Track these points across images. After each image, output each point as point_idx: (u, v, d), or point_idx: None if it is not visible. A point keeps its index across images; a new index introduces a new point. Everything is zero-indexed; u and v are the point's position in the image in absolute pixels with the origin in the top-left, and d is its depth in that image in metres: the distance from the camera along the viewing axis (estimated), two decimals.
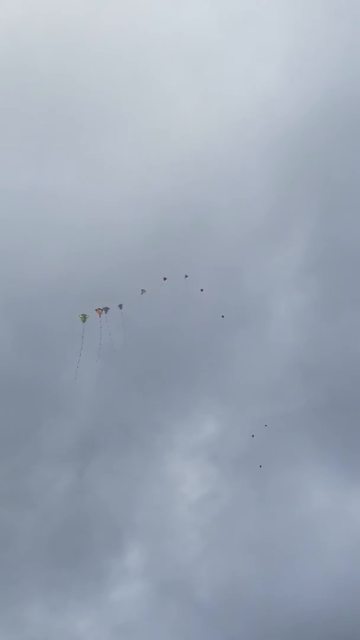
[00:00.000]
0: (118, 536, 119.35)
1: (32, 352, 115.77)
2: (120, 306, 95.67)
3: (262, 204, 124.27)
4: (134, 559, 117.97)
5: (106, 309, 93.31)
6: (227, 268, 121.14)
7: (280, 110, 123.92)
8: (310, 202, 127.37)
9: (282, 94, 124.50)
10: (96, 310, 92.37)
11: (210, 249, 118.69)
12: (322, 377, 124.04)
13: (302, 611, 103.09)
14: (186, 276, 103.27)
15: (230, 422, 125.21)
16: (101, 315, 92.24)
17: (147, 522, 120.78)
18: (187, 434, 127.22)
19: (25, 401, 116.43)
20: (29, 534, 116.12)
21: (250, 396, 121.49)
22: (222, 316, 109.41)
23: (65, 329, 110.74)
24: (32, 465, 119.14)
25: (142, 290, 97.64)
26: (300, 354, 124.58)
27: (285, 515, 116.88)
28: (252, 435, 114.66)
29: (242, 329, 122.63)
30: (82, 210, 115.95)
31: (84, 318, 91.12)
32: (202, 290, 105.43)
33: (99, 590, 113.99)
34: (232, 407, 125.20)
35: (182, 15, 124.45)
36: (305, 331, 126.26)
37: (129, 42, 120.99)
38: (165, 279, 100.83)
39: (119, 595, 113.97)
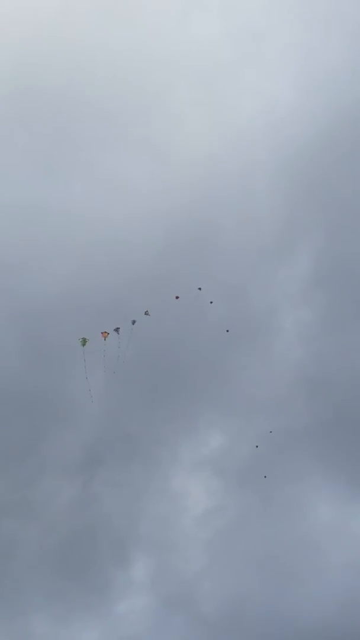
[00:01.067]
0: (123, 549, 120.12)
1: (38, 365, 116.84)
2: (134, 322, 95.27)
3: (269, 222, 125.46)
4: (139, 572, 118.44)
5: (117, 329, 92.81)
6: (234, 284, 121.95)
7: (289, 130, 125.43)
8: (317, 220, 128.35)
9: (290, 113, 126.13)
10: (102, 333, 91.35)
11: (217, 266, 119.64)
12: (328, 392, 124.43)
13: (306, 626, 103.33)
14: (200, 289, 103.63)
15: (235, 436, 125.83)
16: (106, 338, 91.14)
17: (152, 535, 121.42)
18: (192, 448, 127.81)
19: (31, 414, 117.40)
20: (34, 545, 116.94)
21: (255, 410, 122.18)
22: (227, 330, 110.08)
23: (71, 343, 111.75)
24: (37, 477, 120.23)
25: (146, 312, 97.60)
26: (305, 369, 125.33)
27: (289, 530, 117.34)
28: (256, 446, 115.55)
29: (248, 344, 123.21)
30: (89, 227, 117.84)
31: (83, 342, 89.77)
32: (211, 302, 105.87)
33: (104, 602, 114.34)
34: (237, 421, 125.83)
35: (192, 34, 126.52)
36: (311, 346, 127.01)
37: (137, 60, 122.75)
38: (177, 297, 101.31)
39: (124, 607, 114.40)
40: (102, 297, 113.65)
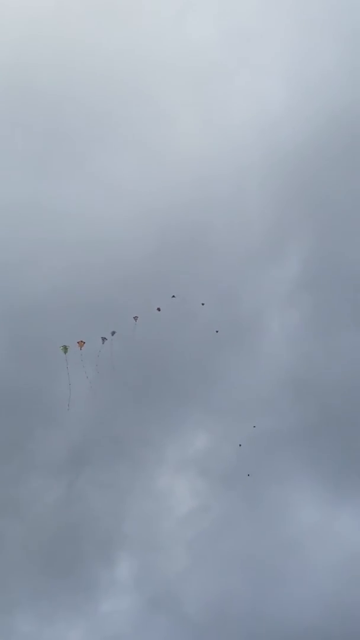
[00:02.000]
0: (107, 548, 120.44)
1: (25, 364, 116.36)
2: (113, 333, 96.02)
3: (259, 224, 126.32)
4: (123, 571, 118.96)
5: (104, 339, 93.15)
6: (223, 285, 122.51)
7: (281, 133, 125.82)
8: (307, 222, 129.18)
9: (283, 116, 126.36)
10: (78, 342, 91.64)
11: (207, 267, 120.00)
12: (314, 393, 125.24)
13: (290, 627, 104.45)
14: (173, 296, 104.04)
15: (220, 437, 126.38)
16: (82, 347, 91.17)
17: (136, 535, 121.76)
18: (177, 448, 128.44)
19: (18, 412, 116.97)
20: (19, 544, 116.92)
21: (241, 411, 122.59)
22: (217, 331, 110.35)
23: (60, 342, 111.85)
24: (23, 476, 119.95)
25: (135, 317, 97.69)
26: (292, 371, 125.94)
27: (274, 531, 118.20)
28: (240, 445, 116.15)
29: (235, 345, 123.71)
30: (80, 226, 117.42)
31: (65, 349, 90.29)
32: (203, 304, 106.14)
33: (89, 601, 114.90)
34: (222, 422, 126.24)
35: (186, 35, 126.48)
36: (298, 348, 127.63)
37: (131, 61, 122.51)
38: (159, 309, 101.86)
39: (108, 606, 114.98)
40: (93, 296, 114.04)
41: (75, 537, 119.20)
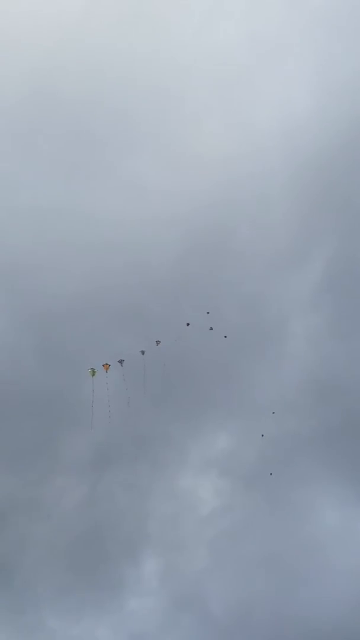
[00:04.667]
0: (132, 547, 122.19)
1: (53, 366, 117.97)
2: (143, 352, 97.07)
3: (282, 227, 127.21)
4: (148, 570, 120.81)
5: (121, 361, 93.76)
6: (247, 288, 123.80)
7: (305, 136, 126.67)
8: (330, 225, 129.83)
9: (307, 120, 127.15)
10: (103, 365, 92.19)
11: (231, 270, 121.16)
12: (337, 396, 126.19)
13: (313, 629, 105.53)
14: (208, 313, 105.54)
15: (242, 438, 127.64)
16: (107, 370, 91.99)
17: (160, 535, 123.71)
18: (200, 449, 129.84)
19: (44, 414, 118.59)
20: (46, 543, 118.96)
21: (265, 414, 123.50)
22: (225, 336, 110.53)
23: (86, 344, 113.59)
24: (49, 477, 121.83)
25: (157, 341, 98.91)
26: (315, 374, 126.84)
27: (296, 531, 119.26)
28: (262, 435, 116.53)
29: (258, 349, 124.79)
30: (105, 229, 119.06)
31: (92, 372, 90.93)
32: (211, 328, 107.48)
33: (115, 598, 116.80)
34: (245, 424, 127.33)
35: (211, 40, 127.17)
36: (320, 351, 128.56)
37: (157, 66, 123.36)
38: (188, 324, 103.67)
39: (134, 604, 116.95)
40: (118, 299, 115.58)
41: (100, 537, 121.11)
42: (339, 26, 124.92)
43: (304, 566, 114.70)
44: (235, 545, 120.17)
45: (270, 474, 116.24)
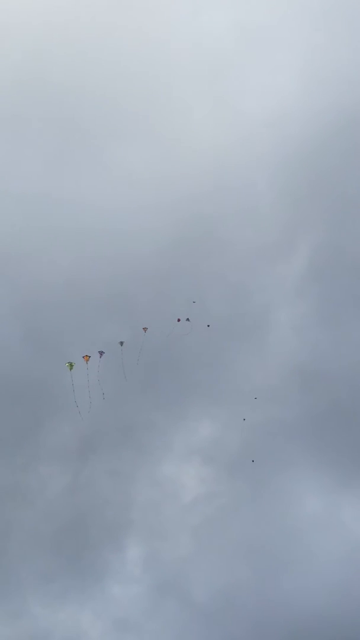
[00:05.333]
0: (116, 534, 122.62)
1: (37, 354, 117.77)
2: (122, 343, 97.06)
3: (268, 215, 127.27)
4: (131, 556, 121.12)
5: (102, 353, 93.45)
6: (232, 276, 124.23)
7: (292, 126, 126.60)
8: (315, 214, 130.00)
9: (294, 109, 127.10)
10: (83, 357, 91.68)
11: (217, 260, 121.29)
12: (320, 383, 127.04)
13: (298, 614, 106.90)
14: (194, 302, 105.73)
15: (225, 425, 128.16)
16: (88, 361, 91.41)
17: (143, 521, 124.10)
18: (183, 436, 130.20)
19: (29, 402, 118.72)
20: (30, 529, 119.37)
21: (249, 402, 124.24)
22: (208, 325, 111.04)
23: (71, 332, 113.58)
24: (33, 464, 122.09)
25: (145, 328, 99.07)
26: (299, 361, 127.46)
27: (279, 519, 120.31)
28: (244, 419, 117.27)
29: (243, 337, 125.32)
30: (92, 217, 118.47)
31: (70, 366, 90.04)
32: (209, 325, 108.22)
33: (98, 584, 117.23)
34: (229, 412, 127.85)
35: (199, 27, 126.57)
36: (305, 338, 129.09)
37: (145, 53, 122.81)
38: (179, 320, 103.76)
39: (118, 590, 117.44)
40: (104, 288, 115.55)
41: (84, 523, 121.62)
42: (327, 15, 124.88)
43: (286, 553, 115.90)
44: (219, 532, 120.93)
45: (253, 461, 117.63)
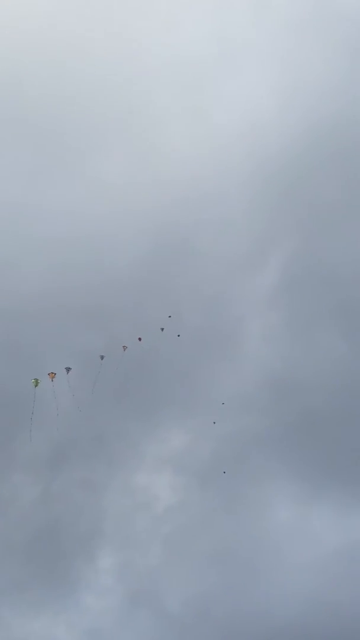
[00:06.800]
0: (88, 544, 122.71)
1: (11, 365, 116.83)
2: (102, 357, 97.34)
3: (242, 227, 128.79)
4: (103, 566, 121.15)
5: (68, 369, 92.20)
6: (206, 288, 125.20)
7: (265, 138, 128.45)
8: (287, 226, 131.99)
9: (269, 122, 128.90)
10: (49, 374, 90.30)
11: (191, 269, 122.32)
12: (292, 394, 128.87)
13: (270, 622, 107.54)
14: (170, 316, 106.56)
15: (197, 436, 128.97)
16: (53, 379, 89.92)
17: (115, 531, 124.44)
18: (155, 447, 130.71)
19: (1, 412, 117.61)
20: (3, 539, 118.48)
21: (220, 411, 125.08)
22: (178, 335, 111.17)
23: (45, 342, 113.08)
24: (5, 474, 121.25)
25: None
26: (272, 372, 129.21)
27: (250, 528, 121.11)
28: (214, 422, 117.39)
29: (217, 349, 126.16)
30: (67, 226, 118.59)
31: (36, 383, 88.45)
32: (179, 335, 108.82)
33: (71, 595, 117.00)
34: (201, 422, 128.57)
35: (178, 39, 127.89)
36: (278, 350, 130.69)
37: (123, 64, 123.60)
38: (140, 339, 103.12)
39: (90, 600, 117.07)
40: (79, 298, 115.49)
41: (56, 533, 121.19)
42: (301, 28, 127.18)
43: (258, 561, 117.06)
44: (191, 541, 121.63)
45: (224, 472, 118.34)
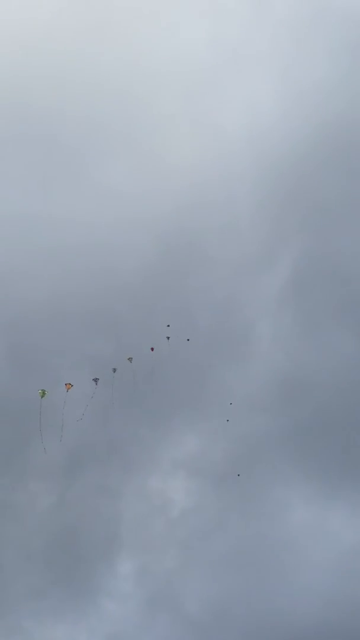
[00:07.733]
0: (106, 549, 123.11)
1: (24, 372, 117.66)
2: (114, 370, 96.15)
3: (249, 228, 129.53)
4: (123, 571, 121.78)
5: (96, 380, 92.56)
6: (215, 291, 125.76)
7: (270, 142, 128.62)
8: (295, 229, 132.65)
9: (273, 125, 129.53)
10: (66, 385, 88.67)
11: (200, 273, 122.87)
12: (305, 394, 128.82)
13: (291, 623, 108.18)
14: (168, 326, 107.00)
15: (212, 439, 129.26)
16: (69, 390, 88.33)
17: (133, 536, 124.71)
18: (170, 451, 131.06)
19: (15, 419, 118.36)
20: (20, 547, 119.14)
21: (233, 413, 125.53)
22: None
23: (56, 349, 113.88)
24: (22, 481, 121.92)
25: (129, 358, 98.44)
26: (284, 373, 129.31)
27: (267, 529, 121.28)
28: (227, 420, 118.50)
29: (228, 350, 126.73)
30: (76, 234, 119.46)
31: (42, 394, 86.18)
32: (188, 340, 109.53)
33: (91, 600, 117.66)
34: (214, 424, 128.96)
35: (179, 43, 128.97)
36: (289, 351, 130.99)
37: (125, 71, 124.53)
38: (152, 349, 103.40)
39: (110, 605, 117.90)
40: (89, 305, 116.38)
41: (74, 539, 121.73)
42: (303, 31, 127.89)
43: (276, 562, 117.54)
44: (208, 543, 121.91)
45: (238, 475, 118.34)
